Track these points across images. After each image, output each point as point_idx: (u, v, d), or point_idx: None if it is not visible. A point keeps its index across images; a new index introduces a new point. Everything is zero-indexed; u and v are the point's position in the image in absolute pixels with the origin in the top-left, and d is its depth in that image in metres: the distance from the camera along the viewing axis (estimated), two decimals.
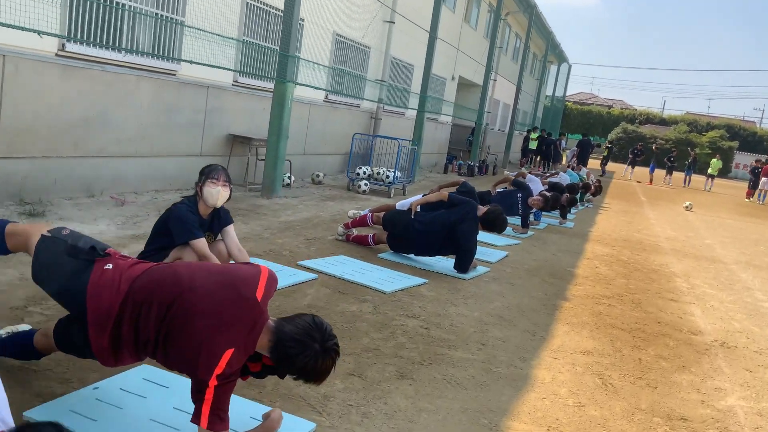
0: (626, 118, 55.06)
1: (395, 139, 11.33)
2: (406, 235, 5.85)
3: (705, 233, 12.03)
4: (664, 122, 54.90)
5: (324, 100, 11.90)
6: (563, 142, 27.81)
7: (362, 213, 7.24)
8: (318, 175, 11.19)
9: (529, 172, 17.09)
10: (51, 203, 6.26)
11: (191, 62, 7.44)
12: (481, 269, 6.00)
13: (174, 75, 7.91)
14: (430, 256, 5.94)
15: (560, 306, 5.19)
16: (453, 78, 19.86)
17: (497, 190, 8.89)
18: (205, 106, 8.53)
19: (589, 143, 25.93)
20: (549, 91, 38.26)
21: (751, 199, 24.76)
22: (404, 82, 15.75)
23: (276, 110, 8.22)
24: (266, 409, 2.62)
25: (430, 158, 19.23)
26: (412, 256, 6.00)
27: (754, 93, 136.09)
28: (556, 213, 10.55)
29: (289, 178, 10.11)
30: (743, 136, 50.41)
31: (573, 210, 12.47)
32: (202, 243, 3.52)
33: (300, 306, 4.16)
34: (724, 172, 40.12)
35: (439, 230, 5.69)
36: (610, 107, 60.97)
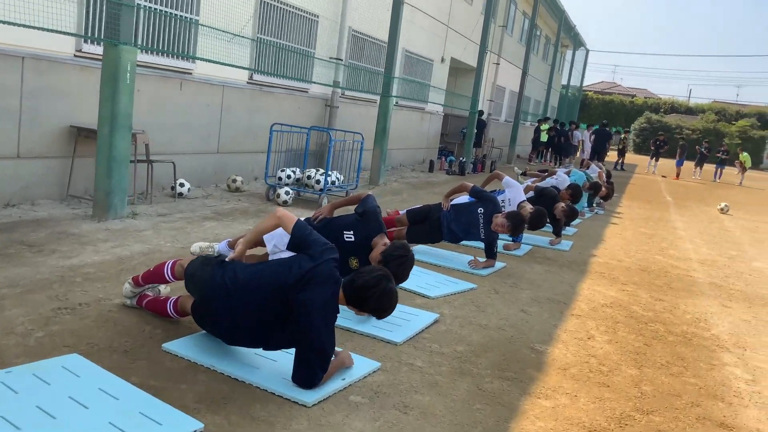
0: (650, 107, 51.98)
1: (324, 130, 8.48)
2: (209, 309, 3.09)
3: (751, 250, 9.08)
4: (690, 111, 51.66)
5: (248, 82, 9.16)
6: (578, 133, 24.73)
7: (217, 247, 4.60)
8: (235, 180, 8.47)
9: (524, 172, 14.24)
10: None
11: None
12: (352, 377, 3.20)
13: None
14: (253, 347, 3.15)
15: None
16: (443, 60, 17.00)
17: (452, 202, 6.07)
18: (21, 87, 5.84)
19: (607, 134, 22.79)
20: (565, 80, 35.11)
21: None
22: (375, 63, 12.94)
23: (107, 88, 5.49)
24: None
25: (416, 154, 16.42)
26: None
27: None
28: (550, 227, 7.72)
29: (180, 185, 7.43)
30: None
31: (575, 221, 9.60)
32: None
33: None
34: (755, 164, 36.68)
35: (260, 303, 2.92)
36: (633, 96, 57.73)
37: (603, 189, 10.46)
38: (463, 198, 6.16)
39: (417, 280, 5.02)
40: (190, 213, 6.61)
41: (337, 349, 3.10)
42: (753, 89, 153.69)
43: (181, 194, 7.46)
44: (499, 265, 5.97)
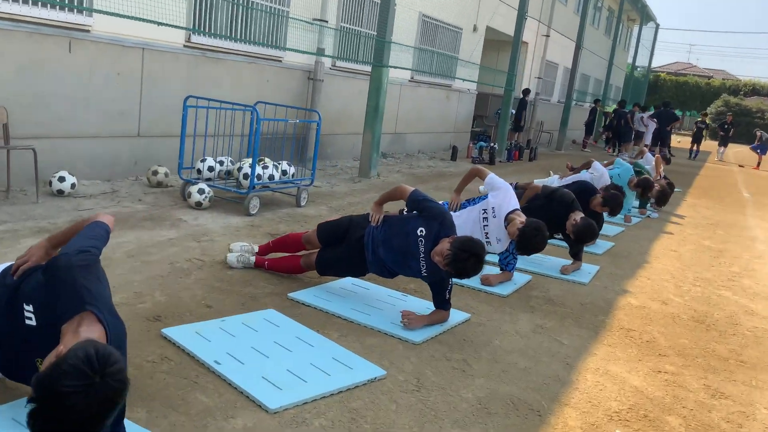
0: (728, 89, 47.42)
1: (250, 107, 6.22)
2: None
3: None
4: None
5: (186, 45, 7.14)
6: (641, 115, 21.68)
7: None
8: (156, 172, 6.48)
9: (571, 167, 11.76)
10: None
11: None
12: None
13: None
14: None
15: None
16: (475, 29, 14.55)
17: (402, 214, 3.87)
18: None
19: (672, 115, 19.64)
20: (631, 58, 31.63)
21: None
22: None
23: None
24: None
25: (441, 139, 14.08)
26: None
27: None
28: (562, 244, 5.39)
29: (60, 180, 5.53)
30: None
31: (613, 229, 7.15)
32: None
33: None
34: None
35: None
36: (709, 78, 52.97)
37: (654, 189, 7.89)
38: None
39: (280, 361, 2.86)
40: (35, 221, 4.66)
41: None
42: None
43: (61, 191, 5.55)
44: (457, 317, 3.73)
